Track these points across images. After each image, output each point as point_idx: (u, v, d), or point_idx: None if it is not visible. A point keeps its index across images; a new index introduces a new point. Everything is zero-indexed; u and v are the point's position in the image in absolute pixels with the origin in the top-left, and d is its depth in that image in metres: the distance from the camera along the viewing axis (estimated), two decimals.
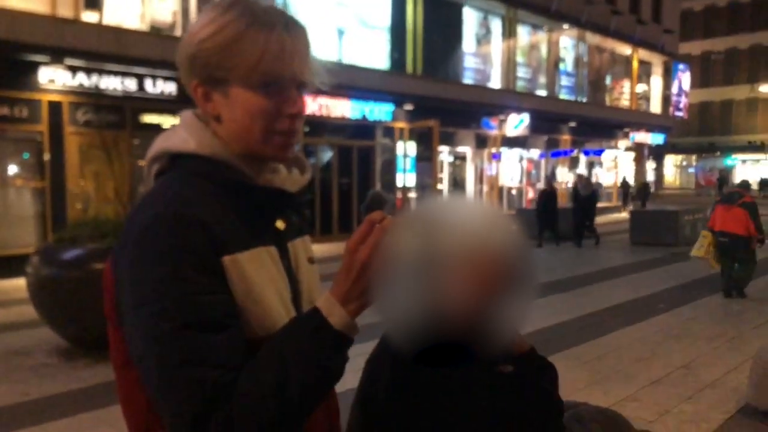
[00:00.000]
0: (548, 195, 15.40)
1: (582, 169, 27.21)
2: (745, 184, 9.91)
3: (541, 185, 24.76)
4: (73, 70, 11.51)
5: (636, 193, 28.21)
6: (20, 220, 11.49)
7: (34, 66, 11.13)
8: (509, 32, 22.31)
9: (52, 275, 5.98)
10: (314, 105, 15.56)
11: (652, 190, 32.03)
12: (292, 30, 1.04)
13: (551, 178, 18.47)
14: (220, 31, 1.01)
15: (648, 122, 30.12)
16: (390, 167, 18.33)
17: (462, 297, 1.08)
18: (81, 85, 11.67)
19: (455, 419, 1.23)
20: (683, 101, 33.12)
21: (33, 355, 6.14)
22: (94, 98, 11.87)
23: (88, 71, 11.67)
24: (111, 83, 11.95)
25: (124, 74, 11.94)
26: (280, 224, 1.10)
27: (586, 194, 15.05)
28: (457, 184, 21.36)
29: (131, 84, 12.10)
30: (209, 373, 0.89)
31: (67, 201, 11.68)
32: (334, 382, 0.99)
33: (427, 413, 1.20)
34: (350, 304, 0.97)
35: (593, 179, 22.63)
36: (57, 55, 11.07)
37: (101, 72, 11.78)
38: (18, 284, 7.83)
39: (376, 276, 0.98)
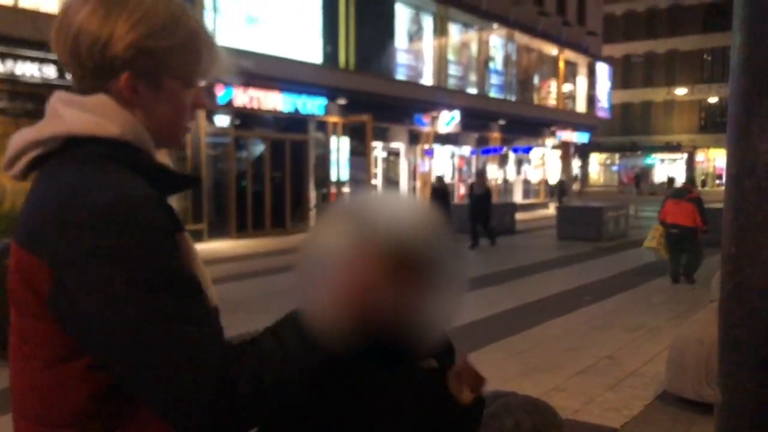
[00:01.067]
0: (482, 196, 14.57)
1: (510, 166, 27.88)
2: (690, 180, 10.99)
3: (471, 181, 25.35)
4: None
5: (553, 190, 29.09)
6: None
7: None
8: (440, 30, 22.59)
9: None
10: (245, 97, 15.27)
11: (578, 187, 33.26)
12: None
13: (481, 173, 18.49)
14: (184, 25, 1.05)
15: (574, 121, 31.20)
16: (323, 162, 18.23)
17: (379, 295, 1.07)
18: None
19: (375, 419, 1.20)
20: (606, 101, 34.48)
21: None
22: (9, 85, 11.28)
23: (3, 57, 11.06)
24: (28, 69, 11.38)
25: (42, 60, 11.40)
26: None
27: (480, 193, 14.44)
28: (391, 179, 21.48)
29: (50, 71, 11.54)
30: (215, 332, 0.96)
31: None
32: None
33: (346, 414, 1.17)
34: None
35: (489, 178, 21.67)
36: None
37: (17, 57, 11.19)
38: None
39: (299, 274, 1.04)
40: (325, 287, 1.03)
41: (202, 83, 1.12)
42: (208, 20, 14.79)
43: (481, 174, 16.76)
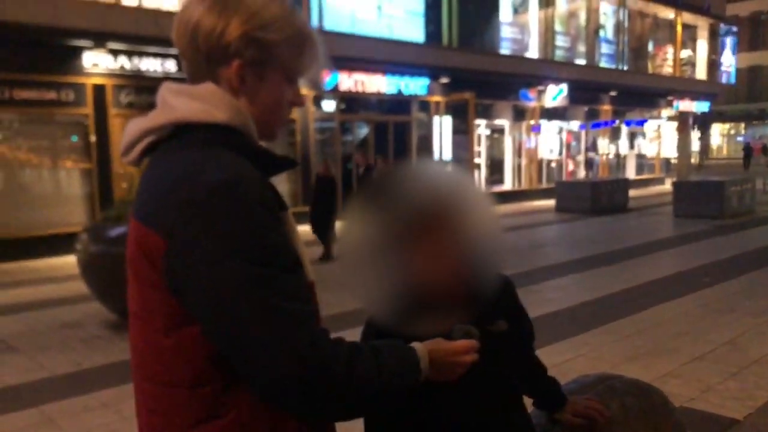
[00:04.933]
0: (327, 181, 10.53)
1: (622, 140, 26.59)
2: None
3: (581, 158, 24.42)
4: (115, 53, 11.77)
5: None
6: (70, 200, 11.87)
7: (79, 51, 11.40)
8: (547, 0, 21.80)
9: (100, 252, 6.21)
10: (350, 81, 15.54)
11: (696, 160, 30.93)
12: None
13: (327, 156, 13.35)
14: (291, 23, 1.16)
15: (693, 89, 29.19)
16: (426, 142, 18.25)
17: (430, 265, 1.13)
18: (123, 68, 11.94)
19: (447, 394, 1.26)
20: (731, 66, 31.90)
21: (84, 327, 6.44)
22: (135, 80, 12.14)
23: (129, 54, 11.92)
24: (151, 65, 12.20)
25: (164, 56, 12.17)
26: None
27: (324, 184, 10.41)
28: (495, 157, 21.16)
29: (170, 65, 12.31)
30: (309, 306, 1.05)
31: (113, 181, 12.01)
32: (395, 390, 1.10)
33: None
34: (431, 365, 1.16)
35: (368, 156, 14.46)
36: (99, 39, 11.31)
37: (141, 54, 12.02)
38: (69, 261, 8.16)
39: (346, 262, 1.14)
40: (385, 271, 1.09)
41: (301, 83, 1.22)
42: (312, 4, 15.15)
43: (385, 154, 13.98)
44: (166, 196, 1.04)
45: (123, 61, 11.92)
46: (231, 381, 1.05)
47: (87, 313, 6.87)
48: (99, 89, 11.79)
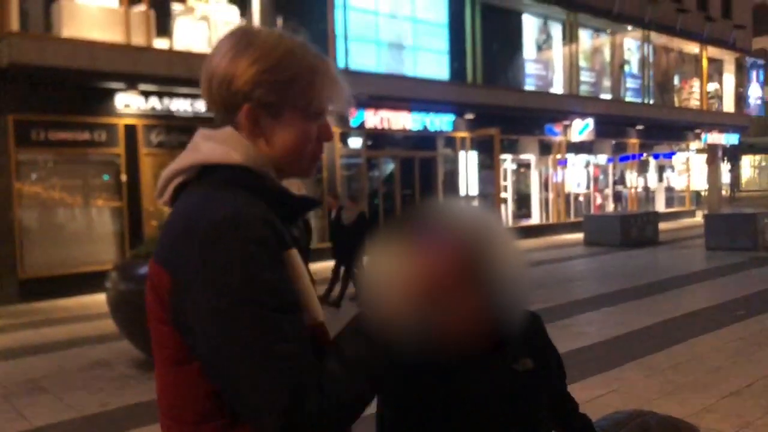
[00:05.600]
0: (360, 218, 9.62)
1: (651, 173, 26.33)
2: None
3: (609, 191, 24.19)
4: (146, 94, 12.09)
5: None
6: (100, 237, 12.09)
7: (111, 92, 11.75)
8: (570, 37, 21.95)
9: (129, 290, 6.21)
10: (375, 119, 15.72)
11: (727, 192, 30.46)
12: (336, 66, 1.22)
13: (356, 192, 13.12)
14: (300, 60, 1.16)
15: (721, 122, 28.89)
16: (453, 177, 18.29)
17: (455, 316, 1.12)
18: (153, 109, 12.25)
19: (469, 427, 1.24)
20: (759, 98, 31.57)
21: (113, 366, 6.45)
22: (165, 120, 12.44)
23: (160, 95, 12.24)
24: (181, 105, 12.50)
25: (194, 96, 12.45)
26: (295, 232, 1.23)
27: (350, 221, 9.51)
28: (521, 192, 21.09)
29: (200, 105, 12.58)
30: (298, 349, 1.00)
31: (143, 219, 12.22)
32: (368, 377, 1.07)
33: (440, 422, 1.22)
34: None
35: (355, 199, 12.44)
36: (131, 81, 11.65)
37: (172, 95, 12.33)
38: (99, 299, 8.18)
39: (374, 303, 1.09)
40: (400, 292, 1.07)
41: (328, 117, 1.21)
42: (339, 43, 15.45)
43: (354, 195, 13.07)
44: (174, 232, 1.08)
45: (154, 102, 12.23)
46: (235, 418, 1.05)
47: (116, 351, 6.89)
48: (130, 129, 12.09)
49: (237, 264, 1.00)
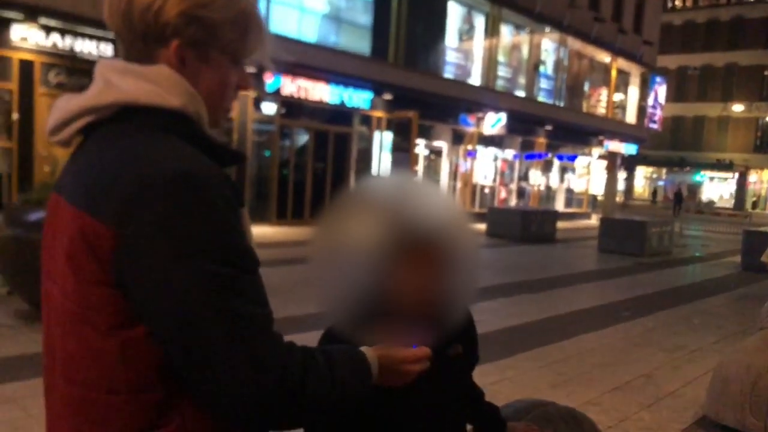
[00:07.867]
0: None
1: (554, 174, 27.44)
2: None
3: (513, 186, 25.00)
4: (47, 29, 11.19)
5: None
6: None
7: (7, 22, 10.78)
8: (492, 30, 22.33)
9: (15, 236, 5.82)
10: (293, 87, 15.36)
11: (621, 199, 32.32)
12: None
13: None
14: (236, 2, 1.06)
15: (622, 132, 30.54)
16: (366, 155, 18.23)
17: (413, 283, 1.12)
18: (55, 46, 11.36)
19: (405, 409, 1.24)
20: (658, 114, 33.60)
21: None
22: (68, 60, 11.57)
23: (63, 32, 11.35)
24: (86, 47, 11.66)
25: (100, 38, 11.67)
26: None
27: None
28: (431, 178, 21.36)
29: (107, 49, 11.80)
30: (268, 310, 0.97)
31: (35, 163, 11.39)
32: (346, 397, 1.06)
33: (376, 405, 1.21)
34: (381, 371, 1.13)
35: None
36: (31, 13, 10.76)
37: (76, 34, 11.48)
38: None
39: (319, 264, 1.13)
40: (351, 276, 1.08)
41: (248, 66, 1.13)
42: (262, 6, 14.92)
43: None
44: (115, 183, 0.93)
45: (55, 39, 11.34)
46: (176, 387, 0.96)
47: None
48: (26, 65, 11.18)
49: (205, 223, 0.91)
